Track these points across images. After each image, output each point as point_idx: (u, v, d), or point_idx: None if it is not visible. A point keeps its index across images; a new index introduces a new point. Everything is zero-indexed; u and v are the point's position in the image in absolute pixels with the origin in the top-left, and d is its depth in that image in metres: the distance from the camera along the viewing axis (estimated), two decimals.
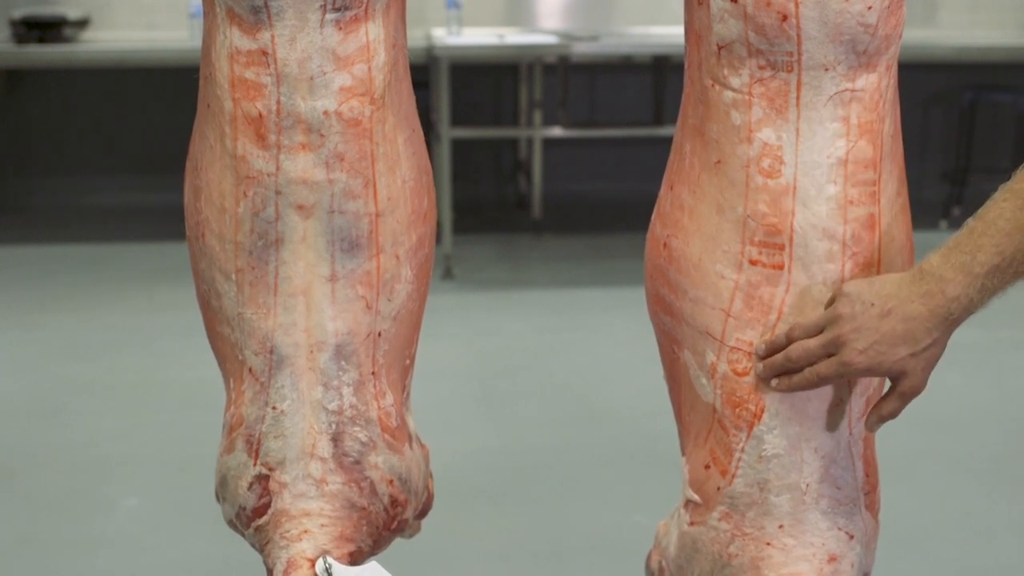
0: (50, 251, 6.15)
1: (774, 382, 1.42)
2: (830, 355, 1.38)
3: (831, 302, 1.40)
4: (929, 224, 6.23)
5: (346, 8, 1.45)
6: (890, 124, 1.44)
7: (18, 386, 4.28)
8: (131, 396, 4.20)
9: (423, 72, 5.98)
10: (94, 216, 6.80)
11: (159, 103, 6.82)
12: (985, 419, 3.98)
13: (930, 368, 1.39)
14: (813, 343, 1.39)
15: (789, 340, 1.41)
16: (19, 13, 6.30)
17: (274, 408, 1.51)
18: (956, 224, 6.75)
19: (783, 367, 1.41)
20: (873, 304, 1.37)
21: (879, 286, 1.38)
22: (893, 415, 1.41)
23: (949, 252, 1.36)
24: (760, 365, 1.43)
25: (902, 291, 1.37)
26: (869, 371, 1.38)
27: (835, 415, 1.46)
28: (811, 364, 1.39)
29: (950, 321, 1.36)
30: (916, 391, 1.39)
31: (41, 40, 6.21)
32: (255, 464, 1.52)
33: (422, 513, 1.65)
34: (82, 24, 6.57)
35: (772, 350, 1.42)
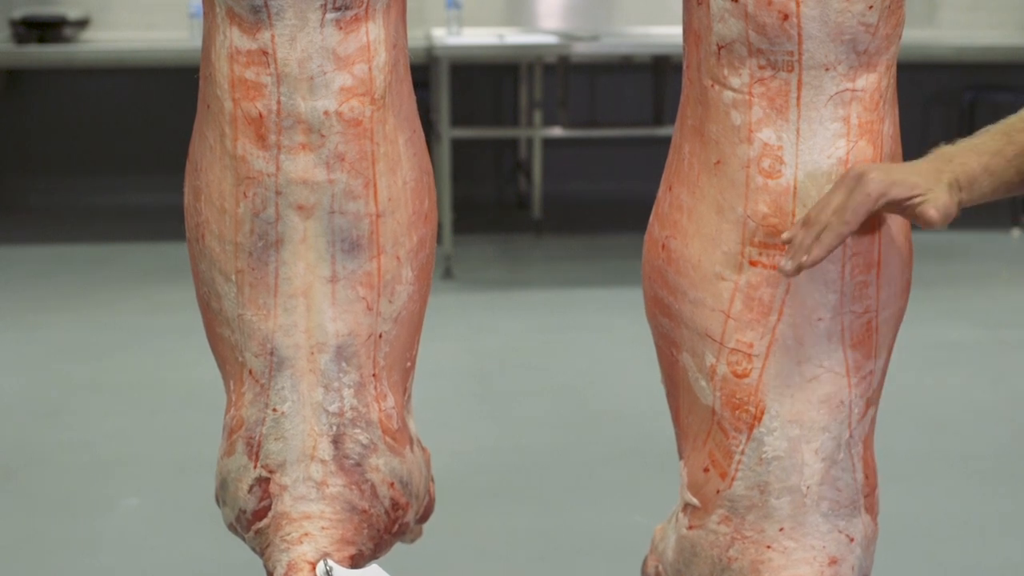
0: (50, 251, 6.15)
1: (804, 258, 1.34)
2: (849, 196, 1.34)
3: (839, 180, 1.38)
4: None
5: (346, 8, 1.45)
6: (890, 124, 1.44)
7: (18, 386, 4.28)
8: (131, 396, 4.20)
9: (423, 72, 5.97)
10: (94, 216, 6.80)
11: (159, 103, 6.82)
12: (985, 419, 3.98)
13: (949, 196, 1.34)
14: (831, 195, 1.35)
15: (806, 223, 1.36)
16: (19, 13, 6.30)
17: (274, 410, 1.51)
18: (956, 224, 6.73)
19: (810, 237, 1.34)
20: (877, 165, 1.38)
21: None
22: (947, 210, 1.34)
23: (960, 142, 1.41)
24: (787, 263, 1.36)
25: (907, 162, 1.39)
26: (894, 186, 1.33)
27: (836, 417, 1.46)
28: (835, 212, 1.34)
29: (956, 183, 1.36)
30: (946, 207, 1.34)
31: (41, 40, 6.20)
32: (255, 467, 1.52)
33: (423, 517, 1.65)
34: (82, 24, 6.56)
35: (792, 245, 1.36)
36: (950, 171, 1.37)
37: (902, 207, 1.36)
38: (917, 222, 1.36)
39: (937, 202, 1.35)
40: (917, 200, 1.35)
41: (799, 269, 1.36)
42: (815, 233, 1.35)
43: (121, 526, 3.26)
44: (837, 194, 1.36)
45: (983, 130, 1.42)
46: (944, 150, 1.40)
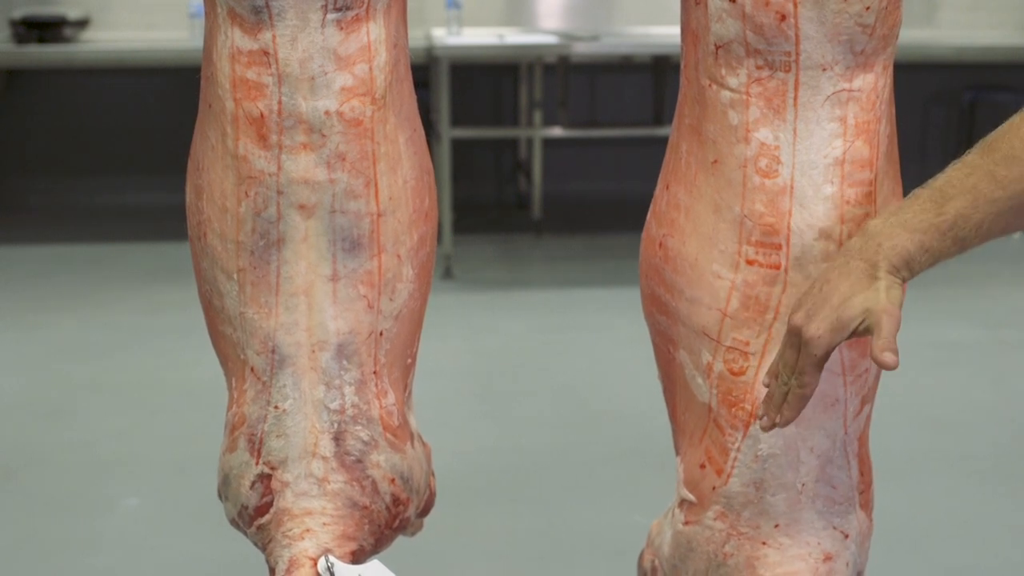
0: (50, 251, 6.15)
1: (778, 419, 1.38)
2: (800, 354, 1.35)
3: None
4: None
5: (347, 8, 1.46)
6: (886, 124, 1.45)
7: (18, 386, 4.28)
8: (131, 396, 4.20)
9: (423, 72, 5.98)
10: (94, 216, 6.80)
11: (159, 103, 6.82)
12: (985, 419, 3.98)
13: (887, 296, 1.32)
14: (786, 354, 1.36)
15: (773, 373, 1.38)
16: (19, 13, 6.30)
17: (276, 407, 1.52)
18: None
19: (779, 397, 1.37)
20: (812, 286, 1.36)
21: (819, 275, 1.37)
22: (888, 342, 1.30)
23: (890, 215, 1.35)
24: (764, 422, 1.39)
25: (839, 260, 1.35)
26: (835, 332, 1.32)
27: (831, 414, 1.46)
28: (795, 370, 1.35)
29: (892, 269, 1.33)
30: (887, 311, 1.31)
31: (41, 40, 6.20)
32: (257, 463, 1.52)
33: (424, 511, 1.66)
34: (82, 24, 6.57)
35: (766, 399, 1.39)
36: (884, 260, 1.32)
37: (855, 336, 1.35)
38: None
39: (881, 332, 1.30)
40: (862, 328, 1.33)
41: (774, 427, 1.39)
42: (783, 394, 1.37)
43: (121, 526, 3.26)
44: (789, 351, 1.36)
45: (912, 195, 1.35)
46: (874, 231, 1.34)
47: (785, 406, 1.38)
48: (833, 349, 1.35)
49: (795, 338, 1.35)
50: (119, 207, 6.94)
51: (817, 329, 1.33)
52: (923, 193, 1.35)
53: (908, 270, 1.34)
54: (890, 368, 1.32)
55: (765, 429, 1.40)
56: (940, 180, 1.35)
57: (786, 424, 1.39)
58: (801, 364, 1.35)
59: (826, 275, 1.35)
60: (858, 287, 1.33)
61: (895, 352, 1.31)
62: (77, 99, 6.95)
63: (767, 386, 1.40)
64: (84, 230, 6.53)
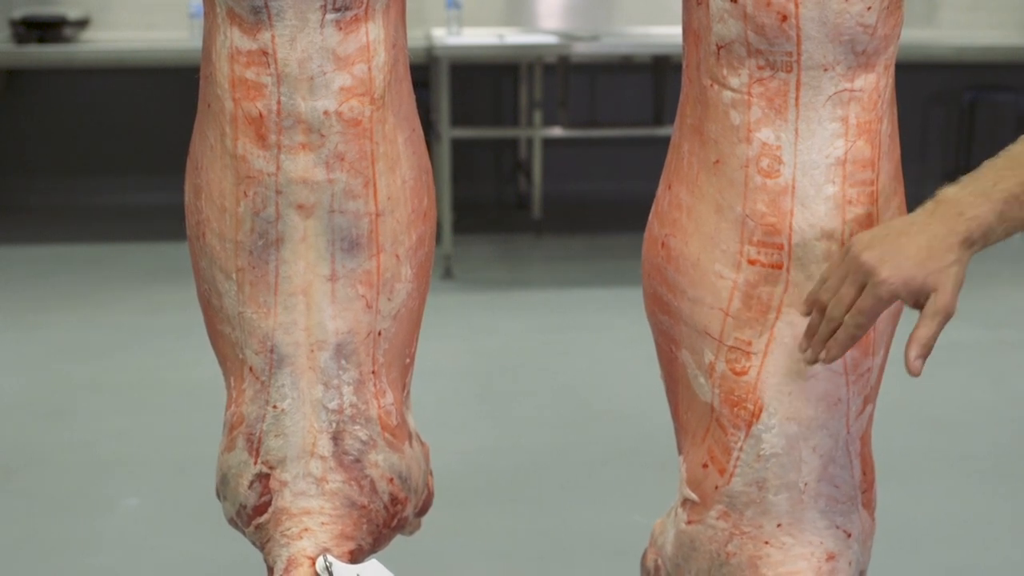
0: (50, 251, 6.15)
1: (823, 355, 1.37)
2: (862, 291, 1.34)
3: (845, 251, 1.36)
4: None
5: (346, 8, 1.45)
6: (888, 124, 1.45)
7: (18, 386, 4.28)
8: (131, 396, 4.20)
9: (423, 72, 5.97)
10: (94, 216, 6.80)
11: (159, 103, 6.82)
12: (985, 419, 3.97)
13: (958, 288, 1.33)
14: (843, 290, 1.35)
15: (817, 302, 1.37)
16: (19, 13, 6.30)
17: (274, 407, 1.51)
18: None
19: (829, 332, 1.36)
20: (887, 234, 1.35)
21: (891, 222, 1.36)
22: (930, 339, 1.33)
23: (966, 182, 1.34)
24: (808, 353, 1.39)
25: (916, 217, 1.35)
26: (904, 287, 1.32)
27: (833, 414, 1.46)
28: (849, 310, 1.35)
29: (969, 241, 1.33)
30: (948, 310, 1.33)
31: (41, 40, 6.20)
32: (256, 462, 1.52)
33: (422, 511, 1.66)
34: (82, 24, 6.56)
35: (810, 332, 1.39)
36: (964, 229, 1.32)
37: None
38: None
39: (945, 307, 1.32)
40: (920, 303, 1.34)
41: (816, 362, 1.39)
42: (831, 329, 1.36)
43: (121, 526, 3.26)
44: (849, 287, 1.35)
45: (987, 164, 1.35)
46: (952, 198, 1.34)
47: (833, 343, 1.36)
48: (895, 302, 1.34)
49: (860, 276, 1.34)
50: (119, 207, 6.94)
51: (891, 275, 1.32)
52: (999, 162, 1.34)
53: (984, 241, 1.34)
54: (913, 374, 1.33)
55: (809, 362, 1.39)
56: (1018, 147, 1.34)
57: (831, 362, 1.37)
58: (862, 304, 1.34)
59: (902, 226, 1.34)
60: (935, 255, 1.32)
61: (924, 359, 1.33)
62: (77, 99, 6.95)
63: (807, 315, 1.38)
64: (84, 230, 6.53)
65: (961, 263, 1.33)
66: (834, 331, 1.37)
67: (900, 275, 1.32)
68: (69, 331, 4.89)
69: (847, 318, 1.35)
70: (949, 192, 1.35)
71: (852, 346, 1.37)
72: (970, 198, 1.33)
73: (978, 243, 1.33)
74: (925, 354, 1.34)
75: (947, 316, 1.33)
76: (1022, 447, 3.77)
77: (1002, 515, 3.33)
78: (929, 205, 1.35)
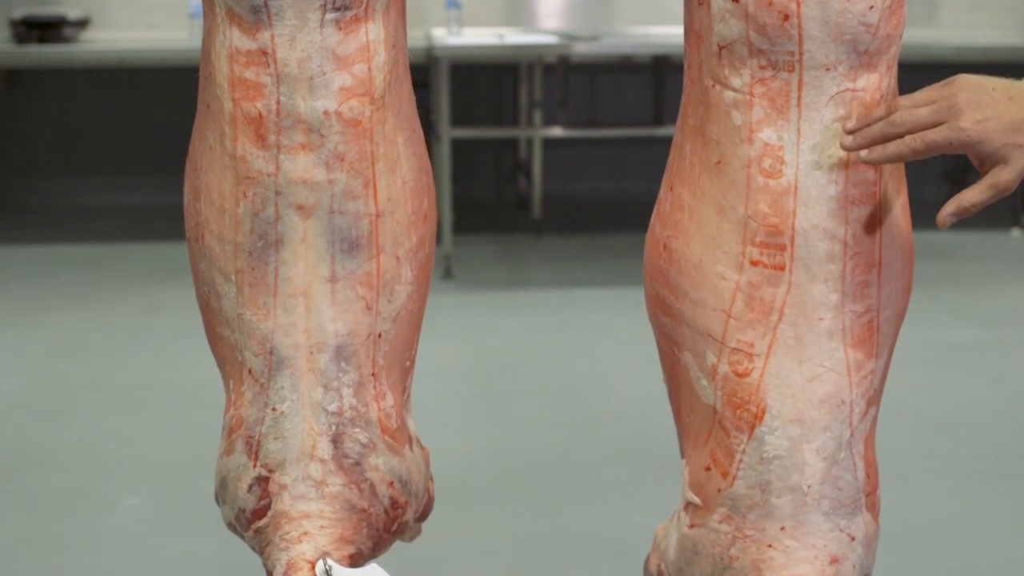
0: (50, 251, 6.15)
1: (863, 153, 1.35)
2: (940, 123, 1.33)
3: (946, 83, 1.35)
4: (929, 224, 6.18)
5: (346, 8, 1.45)
6: None
7: (18, 386, 4.28)
8: (131, 396, 4.20)
9: (423, 72, 5.97)
10: (94, 216, 6.80)
11: (159, 103, 6.81)
12: (985, 419, 3.97)
13: (1017, 182, 1.32)
14: (923, 110, 1.34)
15: (890, 111, 1.36)
16: (19, 13, 6.30)
17: (274, 409, 1.51)
18: (956, 224, 6.73)
19: (882, 135, 1.35)
20: (994, 89, 1.34)
21: (998, 80, 1.35)
22: (976, 207, 1.33)
23: None
24: (848, 138, 1.37)
25: (1023, 85, 1.34)
26: (978, 144, 1.31)
27: (837, 416, 1.46)
28: (916, 132, 1.33)
29: None
30: (1009, 187, 1.32)
31: (41, 40, 6.20)
32: (255, 466, 1.52)
33: (422, 516, 1.65)
34: (82, 24, 6.56)
35: (868, 121, 1.36)
36: None
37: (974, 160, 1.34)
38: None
39: (1007, 183, 1.32)
40: (985, 167, 1.33)
41: (858, 148, 1.36)
42: (885, 135, 1.34)
43: (121, 526, 3.26)
44: (929, 112, 1.33)
45: None
46: None
47: (880, 149, 1.35)
48: (960, 152, 1.33)
49: (946, 110, 1.32)
50: (119, 207, 6.93)
51: (973, 128, 1.31)
52: None
53: None
54: (939, 226, 1.34)
55: (846, 146, 1.37)
56: None
57: (870, 162, 1.36)
58: (931, 135, 1.33)
59: (1011, 89, 1.33)
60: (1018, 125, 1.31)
61: (957, 218, 1.33)
62: (77, 99, 6.95)
63: (875, 116, 1.35)
64: (84, 230, 6.53)
65: None
66: (888, 137, 1.35)
67: (980, 132, 1.31)
68: (69, 331, 4.89)
69: (908, 137, 1.34)
70: None
71: (894, 163, 1.35)
72: None
73: None
74: (960, 216, 1.34)
75: (1003, 192, 1.32)
76: (1022, 447, 3.76)
77: (1002, 515, 3.32)
78: None
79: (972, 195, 1.33)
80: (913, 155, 1.35)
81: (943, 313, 5.00)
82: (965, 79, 1.35)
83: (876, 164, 1.37)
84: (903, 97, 1.37)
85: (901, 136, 1.34)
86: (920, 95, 1.36)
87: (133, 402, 4.14)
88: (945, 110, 1.33)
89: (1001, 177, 1.32)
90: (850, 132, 1.38)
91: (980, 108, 1.33)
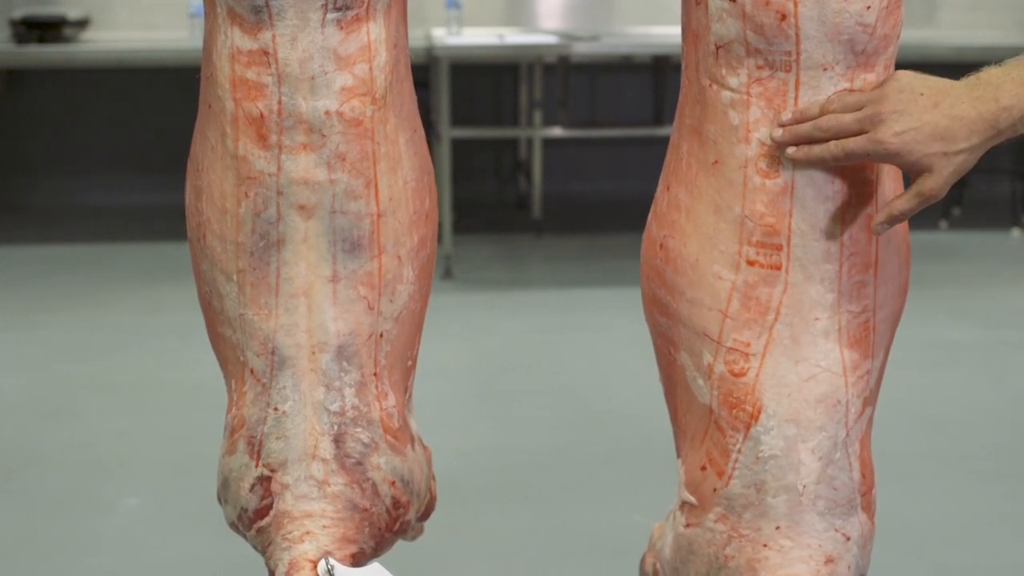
0: (50, 251, 6.15)
1: (791, 150, 1.38)
2: (863, 132, 1.34)
3: (880, 84, 1.36)
4: (929, 224, 6.22)
5: (347, 8, 1.45)
6: None
7: (18, 386, 4.28)
8: (131, 396, 4.20)
9: (423, 72, 5.98)
10: (94, 216, 6.80)
11: (159, 103, 6.82)
12: (985, 419, 3.98)
13: (956, 176, 1.34)
14: (848, 117, 1.35)
15: (823, 112, 1.37)
16: (19, 13, 6.30)
17: (276, 409, 1.51)
18: (956, 224, 6.76)
19: (808, 136, 1.37)
20: (922, 94, 1.34)
21: (932, 81, 1.35)
22: (904, 215, 1.36)
23: (1011, 67, 1.34)
24: (779, 131, 1.38)
25: (955, 90, 1.35)
26: (897, 156, 1.33)
27: (833, 416, 1.46)
28: (840, 139, 1.35)
29: (995, 130, 1.33)
30: (935, 195, 1.34)
31: (41, 40, 6.20)
32: (257, 465, 1.52)
33: (424, 515, 1.65)
34: (82, 24, 6.56)
35: (801, 118, 1.38)
36: (993, 117, 1.32)
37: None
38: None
39: (933, 191, 1.34)
40: (913, 175, 1.35)
41: (783, 143, 1.39)
42: (811, 137, 1.36)
43: (121, 526, 3.26)
44: (852, 120, 1.34)
45: None
46: (993, 81, 1.33)
47: (806, 149, 1.37)
48: (887, 163, 1.35)
49: (868, 119, 1.34)
50: (119, 207, 6.94)
51: (891, 140, 1.33)
52: None
53: (1012, 132, 1.34)
54: (875, 232, 1.37)
55: (775, 138, 1.38)
56: None
57: (795, 160, 1.38)
58: (852, 144, 1.34)
59: (937, 95, 1.34)
60: (950, 137, 1.32)
61: (888, 226, 1.37)
62: (77, 99, 6.95)
63: (808, 114, 1.37)
64: (84, 230, 6.53)
65: (973, 151, 1.34)
66: (814, 140, 1.37)
67: (898, 145, 1.33)
68: (69, 331, 4.89)
69: (832, 143, 1.36)
70: (993, 72, 1.35)
71: (818, 164, 1.38)
72: (1011, 85, 1.33)
73: (1005, 132, 1.34)
74: (891, 223, 1.37)
75: (930, 199, 1.34)
76: (1022, 447, 3.77)
77: (1002, 515, 3.33)
78: (971, 79, 1.35)
79: (900, 204, 1.36)
80: (835, 161, 1.37)
81: (943, 313, 5.00)
82: (898, 81, 1.35)
83: (800, 163, 1.39)
84: (837, 96, 1.38)
85: (826, 141, 1.36)
86: (851, 98, 1.37)
87: (133, 402, 4.15)
88: (868, 120, 1.35)
89: (927, 185, 1.34)
90: (782, 125, 1.39)
91: (902, 119, 1.34)
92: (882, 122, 1.34)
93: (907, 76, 1.36)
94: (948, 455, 3.70)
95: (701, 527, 1.50)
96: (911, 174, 1.36)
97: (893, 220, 1.37)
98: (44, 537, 3.18)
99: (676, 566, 1.53)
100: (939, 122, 1.33)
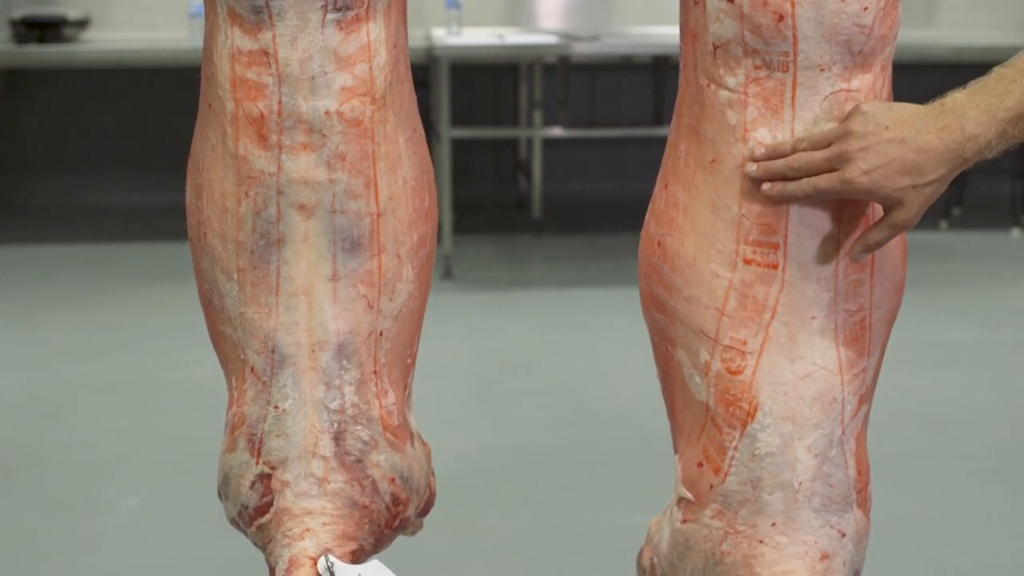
0: (50, 251, 6.15)
1: (766, 186, 1.40)
2: (833, 170, 1.36)
3: (847, 117, 1.37)
4: (929, 224, 6.22)
5: (347, 8, 1.46)
6: None
7: (18, 386, 4.28)
8: (131, 396, 4.20)
9: (423, 72, 5.98)
10: (94, 216, 6.80)
11: (159, 103, 6.82)
12: (985, 419, 3.98)
13: (927, 204, 1.36)
14: (818, 155, 1.37)
15: (795, 149, 1.39)
16: (19, 13, 6.30)
17: (276, 407, 1.52)
18: (956, 224, 6.77)
19: (781, 173, 1.39)
20: (888, 128, 1.35)
21: (897, 112, 1.36)
22: (879, 244, 1.39)
23: (975, 93, 1.35)
24: (754, 166, 1.40)
25: (920, 121, 1.35)
26: (867, 194, 1.36)
27: (829, 413, 1.46)
28: (811, 175, 1.37)
29: (961, 160, 1.34)
30: (908, 224, 1.37)
31: (41, 40, 6.20)
32: (257, 463, 1.53)
33: (424, 511, 1.66)
34: (82, 24, 6.57)
35: (774, 155, 1.40)
36: (959, 147, 1.32)
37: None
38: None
39: (905, 222, 1.36)
40: (885, 208, 1.37)
41: (758, 179, 1.41)
42: (783, 175, 1.38)
43: (121, 526, 3.26)
44: (822, 159, 1.36)
45: (998, 73, 1.35)
46: (959, 108, 1.33)
47: (782, 187, 1.38)
48: (857, 199, 1.37)
49: (836, 158, 1.35)
50: (119, 207, 6.94)
51: (859, 178, 1.34)
52: (1009, 72, 1.34)
53: (978, 158, 1.35)
54: (852, 258, 1.40)
55: (752, 172, 1.40)
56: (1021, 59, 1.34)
57: (771, 196, 1.39)
58: (821, 182, 1.36)
59: (902, 129, 1.34)
60: (917, 170, 1.34)
61: (864, 255, 1.40)
62: (77, 99, 6.95)
63: (780, 151, 1.39)
64: (84, 230, 6.53)
65: (943, 181, 1.35)
66: (787, 177, 1.39)
67: (867, 183, 1.35)
68: (69, 331, 4.89)
69: (804, 180, 1.38)
70: (957, 99, 1.35)
71: (792, 201, 1.39)
72: (975, 112, 1.33)
73: (971, 160, 1.35)
74: (867, 252, 1.40)
75: (903, 229, 1.37)
76: (1022, 447, 3.77)
77: (1001, 515, 3.33)
78: (935, 107, 1.36)
79: (874, 234, 1.39)
80: (807, 198, 1.39)
81: (943, 313, 5.01)
82: (863, 115, 1.36)
83: (779, 198, 1.40)
84: (809, 136, 1.39)
85: (797, 179, 1.38)
86: (820, 135, 1.38)
87: (133, 402, 4.15)
88: (836, 158, 1.36)
89: (899, 217, 1.37)
90: (756, 161, 1.41)
91: (868, 156, 1.35)
92: (849, 160, 1.35)
93: (872, 108, 1.36)
94: (947, 455, 3.71)
95: (698, 523, 1.50)
96: (883, 206, 1.38)
97: (868, 249, 1.40)
98: (44, 537, 3.18)
99: (673, 561, 1.54)
100: (906, 157, 1.34)
